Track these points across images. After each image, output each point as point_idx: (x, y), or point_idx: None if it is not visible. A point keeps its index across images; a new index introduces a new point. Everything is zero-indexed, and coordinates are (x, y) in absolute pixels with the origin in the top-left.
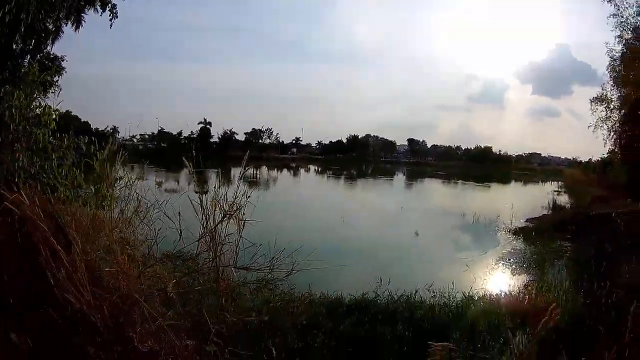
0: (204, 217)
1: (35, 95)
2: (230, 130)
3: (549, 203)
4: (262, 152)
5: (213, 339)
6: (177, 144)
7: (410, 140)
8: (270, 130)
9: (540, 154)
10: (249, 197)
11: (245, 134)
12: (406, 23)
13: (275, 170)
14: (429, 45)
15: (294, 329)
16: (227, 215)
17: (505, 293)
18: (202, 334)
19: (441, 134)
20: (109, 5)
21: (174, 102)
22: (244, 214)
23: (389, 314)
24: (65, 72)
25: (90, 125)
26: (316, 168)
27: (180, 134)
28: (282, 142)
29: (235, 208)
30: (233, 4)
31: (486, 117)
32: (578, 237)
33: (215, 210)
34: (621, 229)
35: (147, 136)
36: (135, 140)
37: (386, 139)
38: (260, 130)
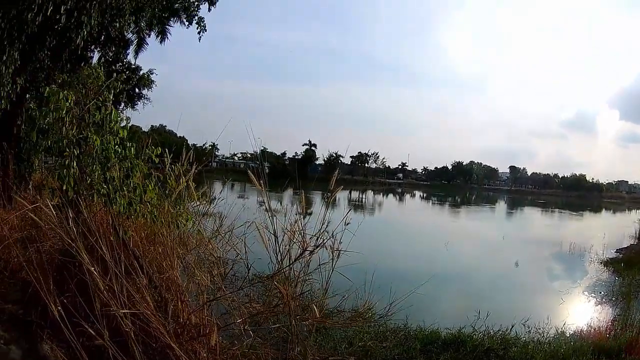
0: (278, 253)
1: (96, 100)
2: (335, 153)
3: (635, 232)
4: (367, 176)
5: None
6: (281, 164)
7: (512, 168)
8: (376, 154)
9: (627, 182)
10: (348, 224)
11: (351, 157)
12: (504, 51)
13: (381, 194)
14: (526, 72)
15: None
16: (305, 251)
17: (594, 329)
18: None
19: (540, 160)
20: (196, 18)
21: (278, 122)
22: (340, 242)
23: (484, 351)
24: (156, 85)
25: (186, 140)
26: (421, 194)
27: (284, 154)
28: (389, 166)
29: (316, 244)
30: (336, 29)
31: (578, 143)
32: None
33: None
34: None
35: (249, 155)
36: (236, 158)
37: (489, 166)
38: (366, 154)
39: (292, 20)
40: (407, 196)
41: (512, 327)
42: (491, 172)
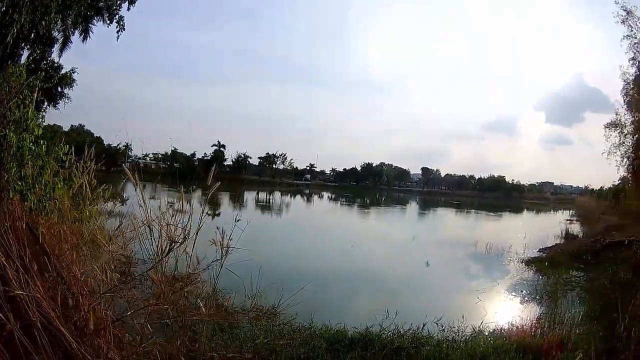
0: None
1: (17, 99)
2: (243, 154)
3: (561, 232)
4: (275, 177)
5: None
6: (190, 165)
7: (425, 169)
8: (284, 155)
9: (552, 183)
10: (238, 220)
11: (259, 158)
12: (421, 52)
13: (289, 195)
14: (443, 73)
15: None
16: (174, 244)
17: (517, 327)
18: None
19: (455, 162)
20: (117, 17)
21: (188, 123)
22: (230, 239)
23: (394, 349)
24: (76, 84)
25: (102, 140)
26: (330, 195)
27: (193, 155)
28: (296, 167)
29: (183, 236)
30: (249, 27)
31: (499, 146)
32: (592, 266)
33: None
34: (637, 256)
35: (160, 156)
36: (148, 159)
37: (400, 167)
38: (274, 155)
39: (207, 21)
40: (315, 197)
41: (424, 326)
42: (402, 174)
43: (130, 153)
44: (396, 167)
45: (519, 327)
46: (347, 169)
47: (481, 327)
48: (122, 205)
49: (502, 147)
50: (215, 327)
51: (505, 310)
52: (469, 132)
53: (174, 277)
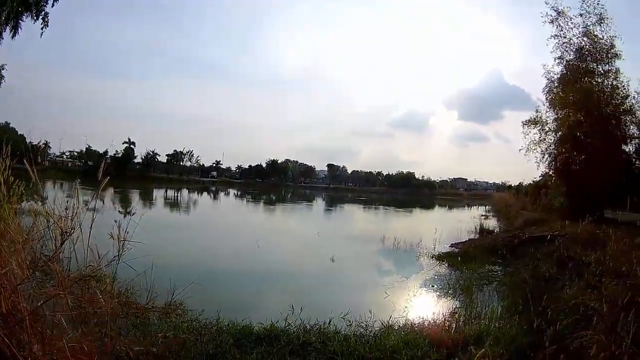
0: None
1: None
2: (152, 152)
3: (475, 227)
4: (183, 175)
5: None
6: (102, 162)
7: (330, 166)
8: (191, 152)
9: (466, 179)
10: (133, 213)
11: (167, 155)
12: (330, 51)
13: (196, 193)
14: (353, 72)
15: (199, 358)
16: (65, 234)
17: (429, 321)
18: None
19: (363, 159)
20: (42, 13)
21: (102, 119)
22: (126, 232)
23: (300, 344)
24: (4, 81)
25: (25, 138)
26: (236, 192)
27: (106, 152)
28: (203, 165)
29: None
30: (164, 24)
31: (409, 143)
32: (510, 260)
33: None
34: (561, 250)
35: (75, 154)
36: (65, 157)
37: (306, 164)
38: (181, 152)
39: (122, 18)
40: (222, 194)
41: (330, 321)
42: (308, 170)
43: (49, 152)
44: (302, 163)
45: (432, 321)
46: (252, 165)
47: (390, 322)
48: (42, 205)
49: (413, 144)
50: (128, 323)
51: (416, 305)
52: (377, 130)
53: (69, 270)
